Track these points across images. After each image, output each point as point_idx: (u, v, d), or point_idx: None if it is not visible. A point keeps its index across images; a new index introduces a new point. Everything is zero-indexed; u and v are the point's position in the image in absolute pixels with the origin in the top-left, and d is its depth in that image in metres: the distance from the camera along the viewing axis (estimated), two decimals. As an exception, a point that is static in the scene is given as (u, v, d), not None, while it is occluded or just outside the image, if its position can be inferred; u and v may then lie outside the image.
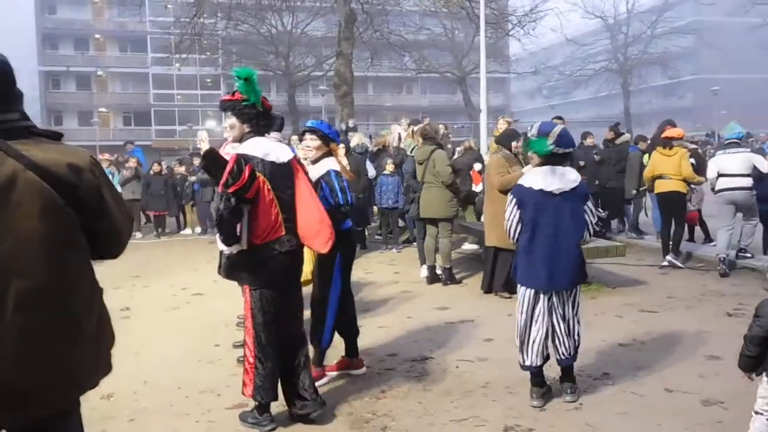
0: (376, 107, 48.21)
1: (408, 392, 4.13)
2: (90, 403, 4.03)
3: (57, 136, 1.94)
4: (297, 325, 3.76)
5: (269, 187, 3.53)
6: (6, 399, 1.78)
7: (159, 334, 5.67)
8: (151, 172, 13.77)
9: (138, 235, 13.15)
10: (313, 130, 4.37)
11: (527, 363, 3.88)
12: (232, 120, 3.81)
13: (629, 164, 10.09)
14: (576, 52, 41.36)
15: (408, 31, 28.35)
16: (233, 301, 5.78)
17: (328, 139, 4.40)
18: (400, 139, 11.42)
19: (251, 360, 3.61)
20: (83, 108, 48.25)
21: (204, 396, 4.16)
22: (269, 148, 3.62)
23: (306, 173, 3.83)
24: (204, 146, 3.86)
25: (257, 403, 3.62)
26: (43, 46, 50.48)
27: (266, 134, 3.76)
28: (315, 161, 4.33)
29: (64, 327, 1.86)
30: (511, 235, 3.99)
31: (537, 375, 3.90)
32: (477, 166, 9.54)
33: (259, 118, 3.67)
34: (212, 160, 3.68)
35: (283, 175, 3.61)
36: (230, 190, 3.43)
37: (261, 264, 3.55)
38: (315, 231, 3.66)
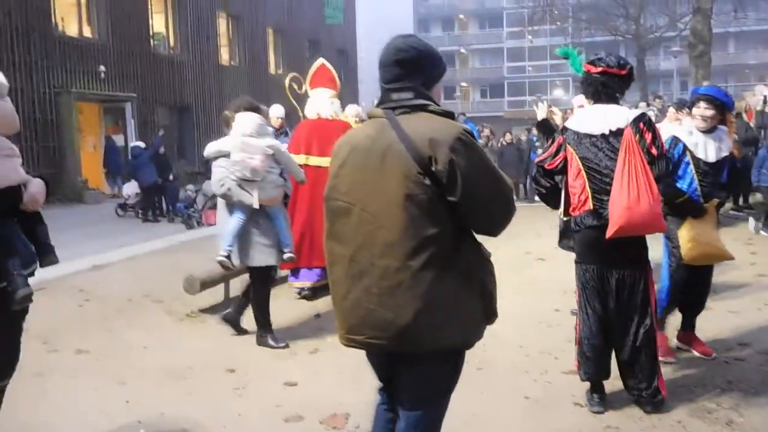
0: (737, 66, 41.91)
1: (761, 387, 3.61)
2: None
3: (448, 115, 2.11)
4: (630, 306, 3.37)
5: (577, 158, 3.32)
6: (376, 327, 2.09)
7: (505, 294, 5.79)
8: (504, 142, 14.23)
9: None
10: (709, 99, 3.79)
11: None
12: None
13: None
14: None
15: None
16: (571, 268, 5.72)
17: (725, 107, 3.84)
18: (765, 101, 9.79)
19: (576, 333, 3.52)
20: (448, 83, 51.61)
21: (542, 357, 4.23)
22: (587, 117, 3.38)
23: (640, 145, 3.24)
24: (539, 115, 4.01)
25: (583, 379, 3.49)
26: (418, 29, 55.27)
27: (610, 101, 3.39)
28: (707, 131, 3.83)
29: (405, 282, 2.03)
30: None
31: None
32: None
33: (587, 86, 3.45)
34: (543, 130, 3.93)
35: (597, 146, 3.30)
36: (537, 160, 3.49)
37: (575, 235, 3.47)
38: (610, 211, 3.21)
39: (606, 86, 3.37)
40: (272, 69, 29.02)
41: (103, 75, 18.16)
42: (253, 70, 26.58)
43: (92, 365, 4.28)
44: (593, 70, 3.39)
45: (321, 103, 6.18)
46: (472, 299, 2.12)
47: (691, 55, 16.74)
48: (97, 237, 10.17)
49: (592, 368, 3.44)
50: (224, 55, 25.64)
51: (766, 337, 4.37)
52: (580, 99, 5.54)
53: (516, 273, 6.68)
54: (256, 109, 4.67)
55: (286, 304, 5.78)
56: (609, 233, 3.16)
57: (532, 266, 6.99)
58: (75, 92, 17.15)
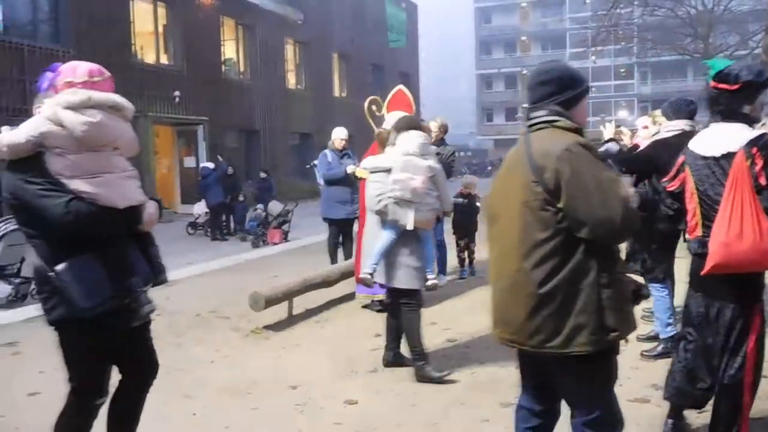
0: (817, 83, 39.82)
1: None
2: (504, 370, 4.37)
3: (575, 130, 2.31)
4: (725, 342, 2.99)
5: (692, 181, 3.03)
6: (505, 324, 2.36)
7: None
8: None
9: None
10: None
11: None
12: None
13: None
14: None
15: None
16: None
17: None
18: None
19: (678, 355, 3.23)
20: (509, 105, 51.50)
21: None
22: (705, 137, 3.06)
23: (749, 172, 2.82)
24: (606, 135, 3.86)
25: (664, 398, 3.28)
26: (479, 52, 55.26)
27: (728, 119, 3.00)
28: None
29: (521, 282, 2.25)
30: None
31: None
32: None
33: (709, 104, 3.12)
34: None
35: (710, 169, 2.97)
36: (662, 180, 3.38)
37: (692, 260, 3.14)
38: (712, 248, 2.84)
39: (716, 103, 3.05)
40: (337, 92, 29.60)
41: (177, 100, 18.94)
42: (318, 94, 27.17)
43: (161, 378, 4.34)
44: (711, 84, 3.09)
45: None
46: (584, 305, 2.18)
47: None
48: (168, 254, 10.37)
49: (673, 390, 3.21)
50: (291, 80, 26.34)
51: None
52: (644, 120, 5.38)
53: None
54: (418, 127, 4.52)
55: (346, 323, 5.82)
56: (705, 269, 2.87)
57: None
58: (151, 116, 17.96)
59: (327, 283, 6.40)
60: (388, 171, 4.30)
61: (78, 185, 2.37)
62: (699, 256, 2.99)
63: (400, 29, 33.00)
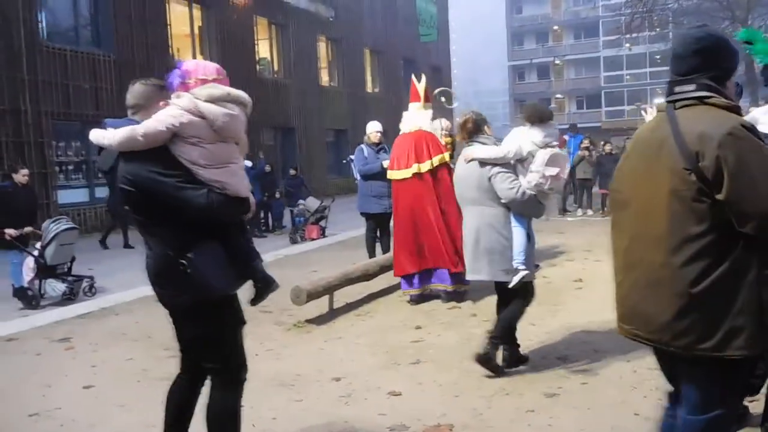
0: None
1: None
2: (547, 360, 4.34)
3: (731, 108, 2.02)
4: None
5: None
6: (639, 320, 2.14)
7: (606, 307, 5.64)
8: (603, 152, 13.74)
9: (589, 212, 13.35)
10: None
11: None
12: None
13: None
14: None
15: None
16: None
17: None
18: None
19: None
20: (543, 95, 50.75)
21: (651, 373, 3.99)
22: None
23: None
24: (648, 119, 3.67)
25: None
26: (512, 43, 54.64)
27: None
28: None
29: (667, 278, 2.03)
30: None
31: None
32: None
33: None
34: None
35: None
36: None
37: None
38: None
39: None
40: (369, 88, 29.61)
41: (213, 100, 19.19)
42: (351, 90, 27.23)
43: (209, 371, 4.48)
44: None
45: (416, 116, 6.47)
46: (742, 305, 1.96)
47: (808, 55, 15.49)
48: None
49: None
50: (324, 77, 26.43)
51: None
52: None
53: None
54: (551, 118, 4.34)
55: (386, 316, 5.84)
56: None
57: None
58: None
59: (366, 276, 6.44)
60: (512, 162, 4.10)
61: (212, 174, 2.53)
62: None
63: (431, 23, 32.85)
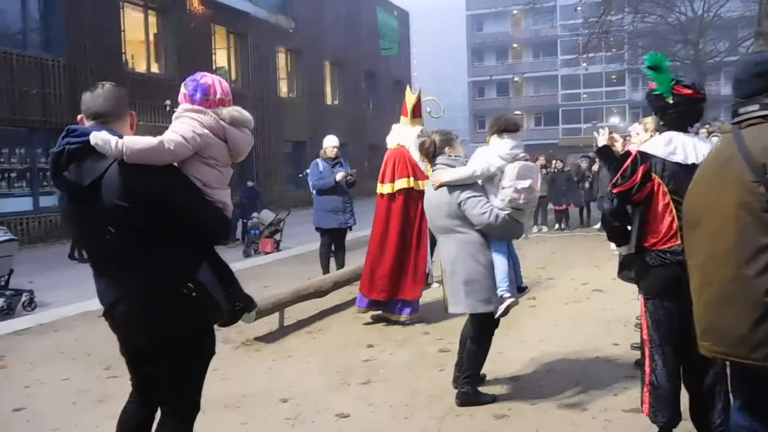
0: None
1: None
2: (498, 381, 4.33)
3: None
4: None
5: (665, 190, 2.96)
6: (716, 337, 2.20)
7: (561, 325, 5.72)
8: (555, 169, 14.00)
9: (544, 228, 13.54)
10: None
11: None
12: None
13: None
14: None
15: None
16: (632, 300, 5.50)
17: None
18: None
19: (647, 375, 3.15)
20: (501, 112, 51.60)
21: (602, 393, 4.04)
22: (678, 146, 3.00)
23: None
24: (599, 142, 3.74)
25: (654, 424, 3.14)
26: (472, 59, 55.43)
27: (688, 127, 3.11)
28: None
29: (740, 291, 2.07)
30: None
31: None
32: None
33: (668, 110, 3.08)
34: (604, 157, 3.65)
35: (690, 178, 2.82)
36: (615, 191, 3.06)
37: (649, 271, 3.07)
38: None
39: (691, 112, 3.09)
40: (329, 100, 29.59)
41: (168, 108, 18.87)
42: (311, 102, 27.16)
43: (151, 392, 4.33)
44: (685, 91, 3.06)
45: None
46: None
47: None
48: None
49: (669, 413, 3.08)
50: (283, 88, 26.31)
51: None
52: (636, 127, 5.34)
53: (573, 305, 6.49)
54: (518, 128, 4.13)
55: (339, 333, 5.77)
56: None
57: (589, 298, 6.76)
58: (143, 125, 17.83)
59: (319, 293, 6.35)
60: (480, 182, 3.92)
61: (220, 196, 2.47)
62: (679, 264, 2.85)
63: (393, 37, 33.08)
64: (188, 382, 2.52)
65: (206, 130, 2.41)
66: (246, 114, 2.54)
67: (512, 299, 3.84)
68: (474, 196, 3.85)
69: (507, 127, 4.02)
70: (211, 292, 2.39)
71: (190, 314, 2.37)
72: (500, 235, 3.89)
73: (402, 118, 6.30)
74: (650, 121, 4.98)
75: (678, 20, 29.65)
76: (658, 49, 30.26)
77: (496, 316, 3.85)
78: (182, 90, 2.52)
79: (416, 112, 6.28)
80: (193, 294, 2.33)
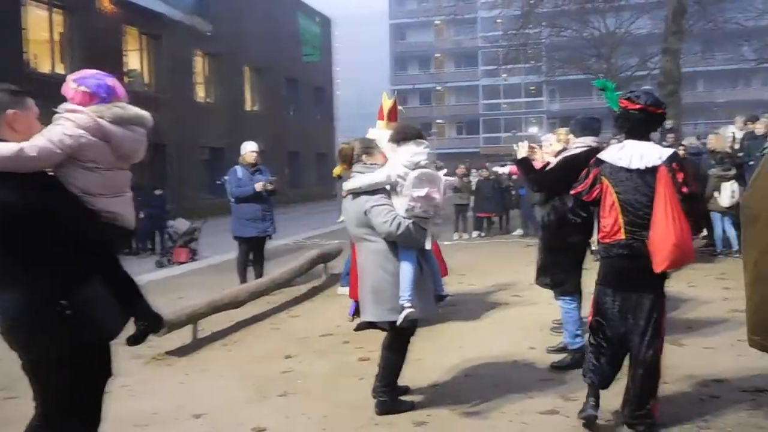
0: (707, 104, 43.13)
1: (736, 426, 3.57)
2: (418, 388, 4.37)
3: None
4: (636, 334, 3.41)
5: (612, 191, 3.44)
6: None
7: (480, 331, 5.85)
8: (480, 177, 14.36)
9: (465, 235, 13.82)
10: None
11: None
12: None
13: None
14: None
15: (747, 17, 24.71)
16: (548, 305, 5.70)
17: None
18: (734, 140, 10.00)
19: (591, 342, 3.57)
20: (424, 120, 52.33)
21: (518, 396, 4.15)
22: (627, 152, 3.44)
23: (674, 183, 3.32)
24: (520, 154, 4.04)
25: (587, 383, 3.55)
26: (395, 68, 56.09)
27: (644, 137, 3.51)
28: None
29: None
30: None
31: None
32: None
33: (620, 122, 3.55)
34: (524, 168, 4.12)
35: (632, 181, 3.39)
36: (572, 192, 3.65)
37: (601, 261, 3.59)
38: (655, 246, 3.27)
39: (645, 123, 3.49)
40: (249, 106, 29.15)
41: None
42: (229, 108, 26.66)
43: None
44: (631, 106, 3.48)
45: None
46: None
47: (662, 93, 17.16)
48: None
49: (598, 375, 3.50)
50: (200, 93, 25.72)
51: (741, 374, 4.35)
52: (549, 137, 5.58)
53: (491, 310, 6.64)
54: (421, 136, 4.08)
55: (255, 345, 5.66)
56: (660, 268, 3.26)
57: (507, 303, 6.95)
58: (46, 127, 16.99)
59: (236, 304, 6.22)
60: (385, 189, 3.89)
61: (104, 204, 2.28)
62: (621, 257, 3.41)
63: (315, 43, 33.04)
64: (71, 404, 2.37)
65: (81, 131, 2.25)
66: (133, 111, 2.39)
67: (412, 309, 3.77)
68: (378, 205, 3.83)
69: (406, 135, 4.04)
70: (90, 311, 2.23)
71: (63, 333, 2.22)
72: (403, 243, 3.85)
73: (378, 122, 6.30)
74: (563, 132, 5.23)
75: (592, 35, 31.15)
76: (573, 62, 31.81)
77: (396, 324, 3.82)
78: (76, 86, 2.36)
79: (392, 117, 6.30)
80: (67, 312, 2.19)
